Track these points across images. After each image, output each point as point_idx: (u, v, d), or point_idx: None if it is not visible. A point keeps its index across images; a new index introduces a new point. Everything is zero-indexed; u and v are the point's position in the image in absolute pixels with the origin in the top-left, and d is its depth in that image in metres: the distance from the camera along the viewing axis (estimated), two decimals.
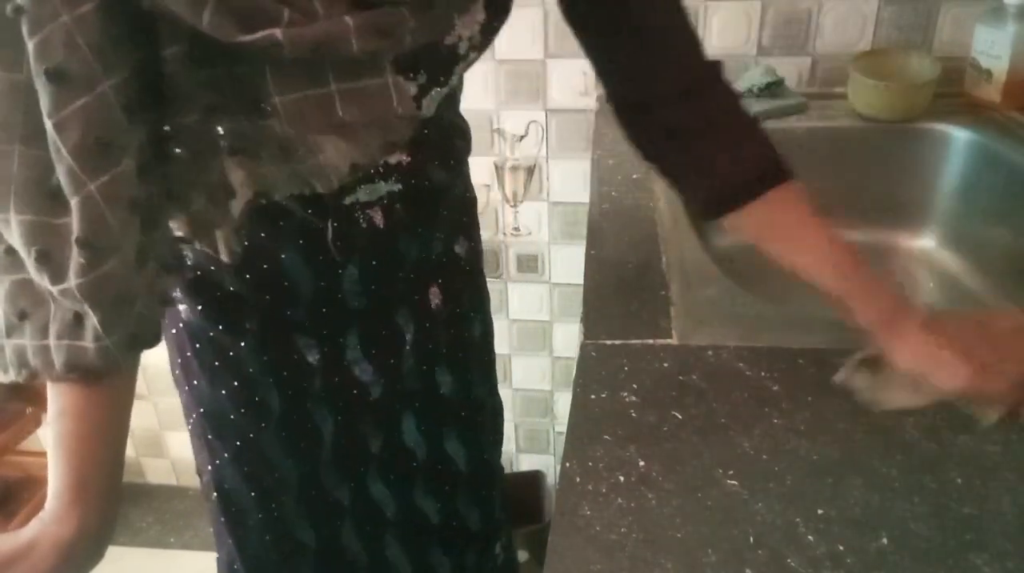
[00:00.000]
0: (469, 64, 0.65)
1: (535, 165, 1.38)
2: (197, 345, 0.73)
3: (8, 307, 0.53)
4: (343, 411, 0.78)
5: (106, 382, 0.55)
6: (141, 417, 1.88)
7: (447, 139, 0.75)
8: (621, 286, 0.79)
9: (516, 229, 1.47)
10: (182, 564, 1.79)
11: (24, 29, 0.44)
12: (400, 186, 0.69)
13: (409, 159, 0.69)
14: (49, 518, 0.56)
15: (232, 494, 0.77)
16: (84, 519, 0.57)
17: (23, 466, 1.92)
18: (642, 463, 0.58)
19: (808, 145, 1.14)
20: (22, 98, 0.46)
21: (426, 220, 0.75)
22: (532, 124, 1.36)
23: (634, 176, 1.03)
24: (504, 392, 1.70)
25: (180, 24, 0.47)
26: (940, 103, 1.12)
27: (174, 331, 0.74)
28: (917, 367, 0.61)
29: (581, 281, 0.82)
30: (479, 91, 1.32)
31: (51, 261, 0.50)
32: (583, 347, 0.70)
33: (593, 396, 0.64)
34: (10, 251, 0.51)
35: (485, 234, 1.50)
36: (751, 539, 0.51)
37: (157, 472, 1.97)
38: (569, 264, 1.50)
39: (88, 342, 0.52)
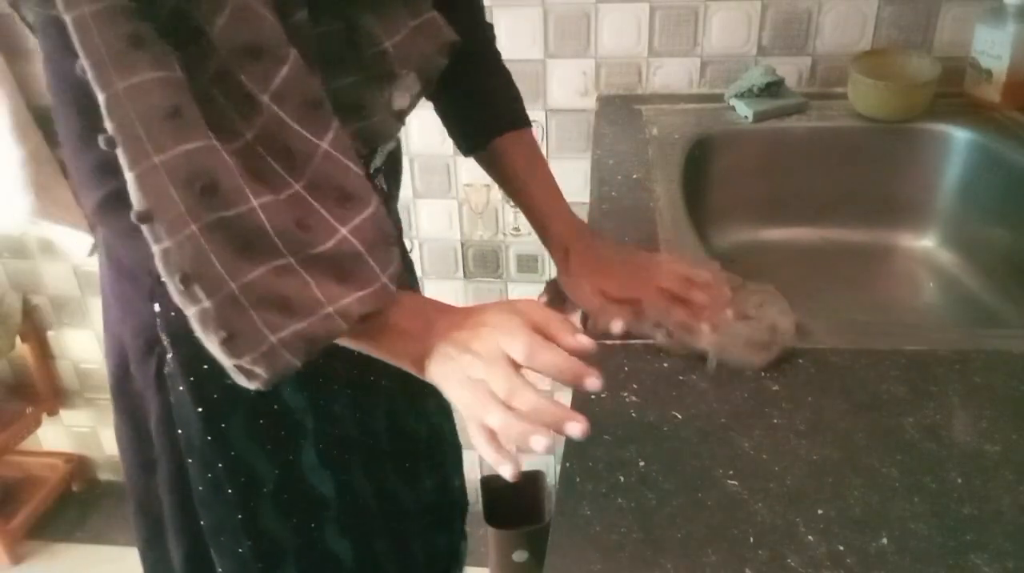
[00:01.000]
0: None
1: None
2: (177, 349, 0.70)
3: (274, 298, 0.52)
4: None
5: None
6: None
7: None
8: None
9: (516, 229, 1.47)
10: None
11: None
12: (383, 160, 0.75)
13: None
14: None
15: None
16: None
17: (23, 466, 1.92)
18: (642, 463, 0.58)
19: (808, 145, 1.15)
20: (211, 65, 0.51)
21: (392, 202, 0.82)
22: (532, 124, 1.36)
23: (634, 176, 1.03)
24: None
25: None
26: (940, 103, 1.12)
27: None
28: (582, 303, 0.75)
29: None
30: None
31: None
32: None
33: (593, 396, 0.64)
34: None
35: (485, 234, 1.51)
36: (751, 539, 0.51)
37: None
38: None
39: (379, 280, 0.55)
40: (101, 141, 0.47)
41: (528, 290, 1.55)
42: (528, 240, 1.49)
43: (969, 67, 1.14)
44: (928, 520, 0.52)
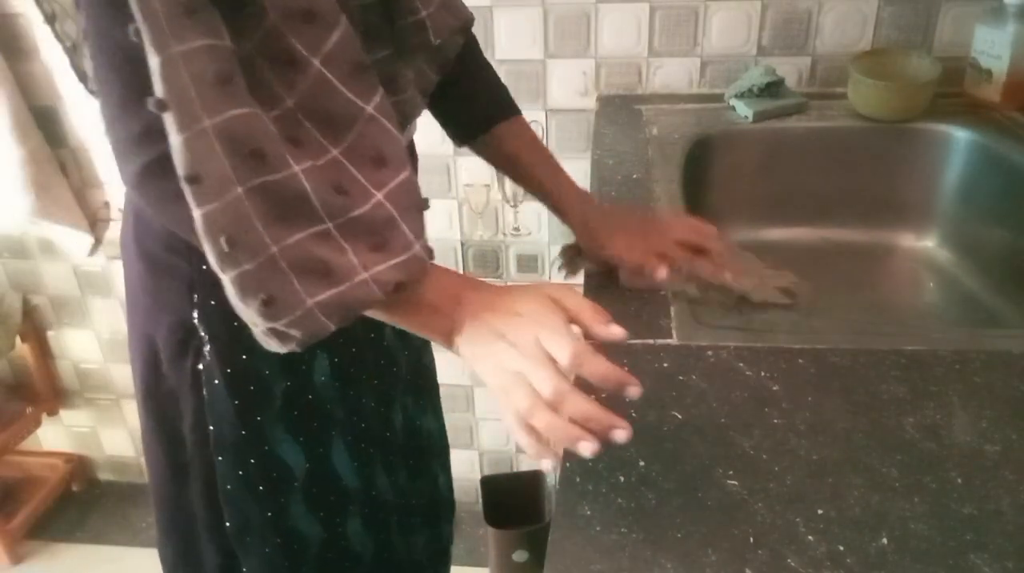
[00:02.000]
0: None
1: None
2: (207, 349, 0.70)
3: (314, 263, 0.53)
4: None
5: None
6: None
7: None
8: (621, 286, 0.79)
9: (516, 229, 1.47)
10: None
11: None
12: None
13: None
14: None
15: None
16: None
17: (23, 466, 1.92)
18: (642, 463, 0.58)
19: (808, 145, 1.14)
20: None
21: None
22: (532, 124, 1.35)
23: (634, 176, 1.03)
24: None
25: None
26: (940, 103, 1.12)
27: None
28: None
29: (581, 281, 0.81)
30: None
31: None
32: None
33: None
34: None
35: (485, 234, 1.51)
36: (751, 539, 0.51)
37: None
38: None
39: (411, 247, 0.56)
40: (151, 103, 0.48)
41: None
42: (528, 240, 1.49)
43: (969, 67, 1.14)
44: (928, 520, 0.52)
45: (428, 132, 1.41)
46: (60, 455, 1.95)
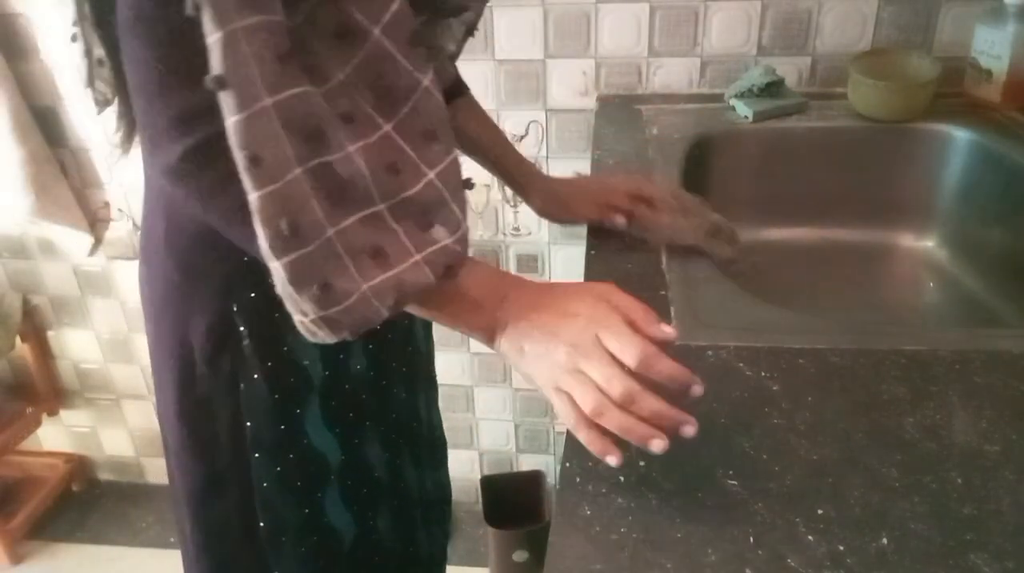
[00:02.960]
0: None
1: (535, 165, 1.38)
2: (243, 343, 0.69)
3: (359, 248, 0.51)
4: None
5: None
6: (141, 417, 1.88)
7: None
8: (621, 286, 0.79)
9: (516, 229, 1.47)
10: (182, 564, 1.79)
11: None
12: None
13: None
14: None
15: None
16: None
17: (23, 466, 1.92)
18: (642, 463, 0.58)
19: (808, 145, 1.15)
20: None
21: None
22: (532, 124, 1.36)
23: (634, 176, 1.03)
24: (504, 392, 1.70)
25: None
26: (940, 103, 1.12)
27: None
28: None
29: (581, 281, 0.81)
30: (479, 91, 1.32)
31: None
32: None
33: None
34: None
35: (485, 234, 1.51)
36: (751, 539, 0.51)
37: (157, 472, 1.97)
38: (569, 264, 1.50)
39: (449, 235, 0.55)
40: (209, 81, 0.45)
41: None
42: (528, 240, 1.49)
43: (969, 67, 1.14)
44: (928, 520, 0.52)
45: None
46: (60, 455, 1.95)
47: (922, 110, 1.10)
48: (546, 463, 1.77)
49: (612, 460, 0.51)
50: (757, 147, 1.16)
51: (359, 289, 0.50)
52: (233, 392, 0.69)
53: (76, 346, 1.80)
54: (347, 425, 0.75)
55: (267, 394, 0.69)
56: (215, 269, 0.66)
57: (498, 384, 1.69)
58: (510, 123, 1.36)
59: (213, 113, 0.46)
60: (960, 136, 1.08)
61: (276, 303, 0.51)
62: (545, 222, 1.46)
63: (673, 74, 1.27)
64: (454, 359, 1.65)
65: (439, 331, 0.80)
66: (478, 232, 1.49)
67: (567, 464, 0.58)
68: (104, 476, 2.01)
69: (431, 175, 0.54)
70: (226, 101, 0.46)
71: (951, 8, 1.18)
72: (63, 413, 1.90)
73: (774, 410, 0.62)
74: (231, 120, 0.46)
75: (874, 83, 1.09)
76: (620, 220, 0.85)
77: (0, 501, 1.83)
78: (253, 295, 0.66)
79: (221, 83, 0.45)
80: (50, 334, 1.80)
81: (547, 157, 1.39)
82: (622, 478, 0.56)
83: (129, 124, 0.68)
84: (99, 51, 0.63)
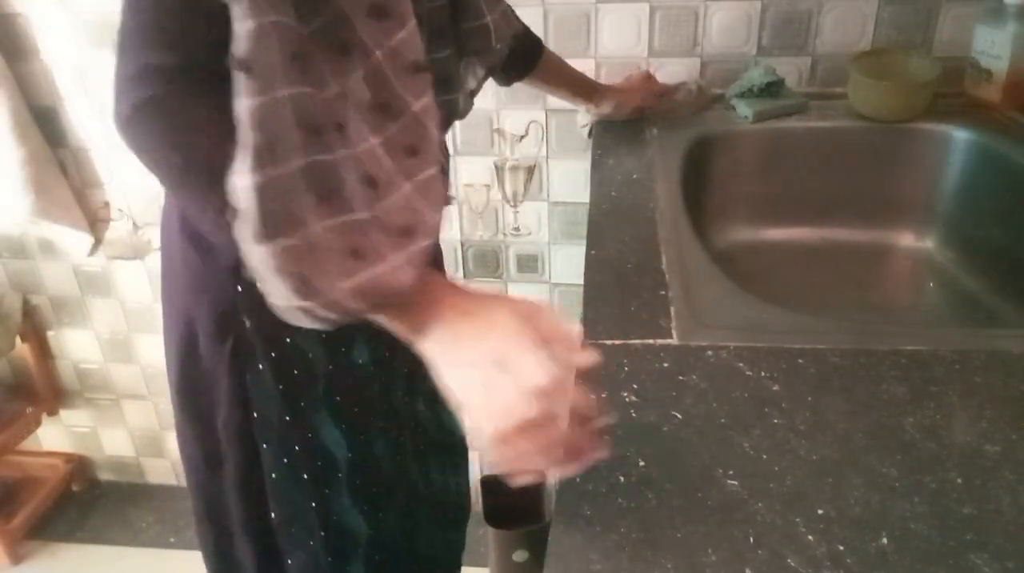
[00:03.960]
0: None
1: (535, 165, 1.38)
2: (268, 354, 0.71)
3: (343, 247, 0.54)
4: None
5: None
6: (141, 417, 1.88)
7: None
8: (621, 286, 0.79)
9: (516, 229, 1.47)
10: (182, 564, 1.79)
11: None
12: None
13: None
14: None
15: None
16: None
17: (23, 466, 1.92)
18: (642, 463, 0.58)
19: (808, 145, 1.15)
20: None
21: None
22: (532, 124, 1.36)
23: (634, 176, 1.03)
24: None
25: None
26: (940, 103, 1.12)
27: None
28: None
29: (581, 281, 0.82)
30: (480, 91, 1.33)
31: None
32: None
33: (593, 396, 0.64)
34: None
35: (485, 234, 1.51)
36: (751, 539, 0.51)
37: (157, 472, 1.97)
38: (569, 264, 1.50)
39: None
40: (234, 63, 0.48)
41: (528, 290, 1.55)
42: (528, 240, 1.49)
43: (969, 67, 1.14)
44: (928, 520, 0.52)
45: None
46: (60, 455, 1.95)
47: (922, 110, 1.10)
48: None
49: (520, 481, 0.51)
50: (757, 147, 1.16)
51: (335, 287, 0.51)
52: (233, 379, 0.70)
53: (76, 346, 1.80)
54: (353, 421, 0.76)
55: (272, 384, 0.70)
56: (223, 250, 0.66)
57: None
58: (510, 123, 1.36)
59: (168, 76, 0.52)
60: (960, 136, 1.08)
61: None
62: (545, 222, 1.46)
63: (673, 74, 1.27)
64: None
65: None
66: (478, 232, 1.49)
67: None
68: (104, 476, 2.01)
69: (408, 186, 0.56)
70: (247, 85, 0.48)
71: (951, 8, 1.18)
72: (63, 413, 1.90)
73: (774, 410, 0.62)
74: (249, 103, 0.48)
75: (874, 83, 1.09)
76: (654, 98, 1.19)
77: (0, 501, 1.83)
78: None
79: (247, 67, 0.48)
80: (50, 334, 1.80)
81: (547, 157, 1.39)
82: (622, 478, 0.56)
83: None
84: None
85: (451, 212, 1.47)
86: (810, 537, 0.51)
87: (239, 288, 0.68)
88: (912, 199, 1.13)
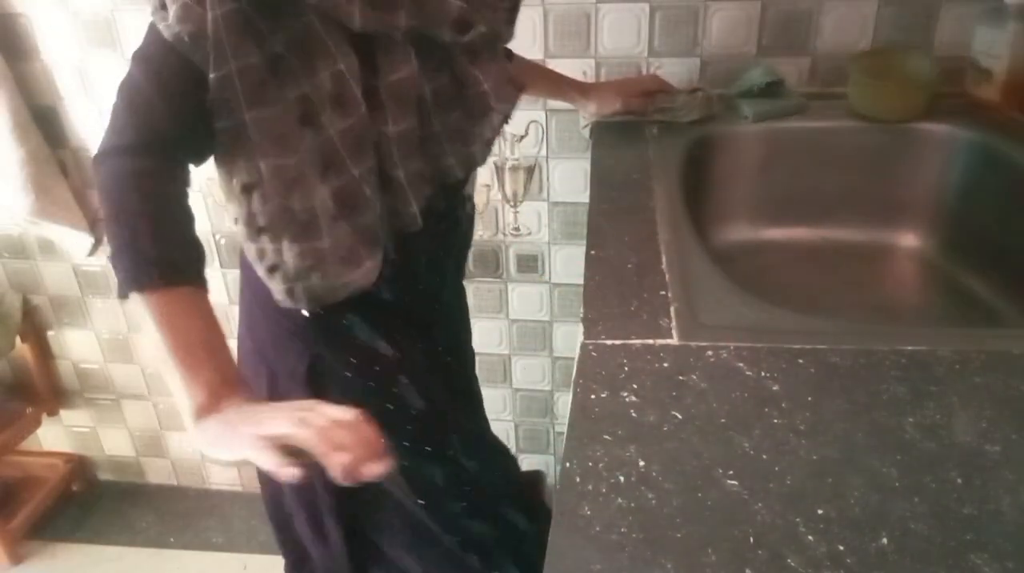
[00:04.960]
0: None
1: (535, 165, 1.38)
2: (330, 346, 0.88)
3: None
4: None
5: None
6: (141, 417, 1.88)
7: None
8: (621, 286, 0.79)
9: (516, 229, 1.47)
10: (182, 564, 1.79)
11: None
12: None
13: None
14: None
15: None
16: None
17: (23, 466, 1.92)
18: (642, 463, 0.58)
19: (808, 145, 1.15)
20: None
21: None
22: (532, 124, 1.36)
23: (634, 176, 1.03)
24: (504, 392, 1.70)
25: None
26: (940, 103, 1.12)
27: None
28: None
29: (581, 281, 0.82)
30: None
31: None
32: (583, 347, 0.70)
33: (593, 396, 0.64)
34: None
35: (485, 234, 1.51)
36: (751, 539, 0.51)
37: (157, 472, 1.97)
38: (569, 264, 1.50)
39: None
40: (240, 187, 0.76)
41: (528, 290, 1.55)
42: (528, 240, 1.49)
43: (969, 67, 1.14)
44: (928, 520, 0.52)
45: None
46: (60, 455, 1.95)
47: (922, 110, 1.10)
48: (546, 463, 1.77)
49: (287, 474, 0.60)
50: (757, 147, 1.16)
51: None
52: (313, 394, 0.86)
53: (76, 346, 1.80)
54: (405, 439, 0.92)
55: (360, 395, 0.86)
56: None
57: (498, 384, 1.69)
58: (510, 123, 1.36)
59: (127, 143, 0.70)
60: (960, 136, 1.08)
61: (342, 319, 0.85)
62: (545, 222, 1.46)
63: (673, 74, 1.27)
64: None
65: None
66: (478, 232, 1.49)
67: (567, 464, 0.58)
68: (104, 476, 2.01)
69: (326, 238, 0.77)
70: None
71: (951, 8, 1.18)
72: (63, 413, 1.90)
73: (774, 410, 0.62)
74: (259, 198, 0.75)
75: (874, 83, 1.09)
76: (640, 103, 1.18)
77: (0, 501, 1.83)
78: (322, 311, 0.85)
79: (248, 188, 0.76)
80: (50, 334, 1.80)
81: (547, 157, 1.39)
82: (622, 478, 0.56)
83: None
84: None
85: None
86: (810, 537, 0.51)
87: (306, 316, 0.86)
88: (912, 199, 1.13)
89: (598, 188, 1.01)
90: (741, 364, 0.67)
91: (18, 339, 1.74)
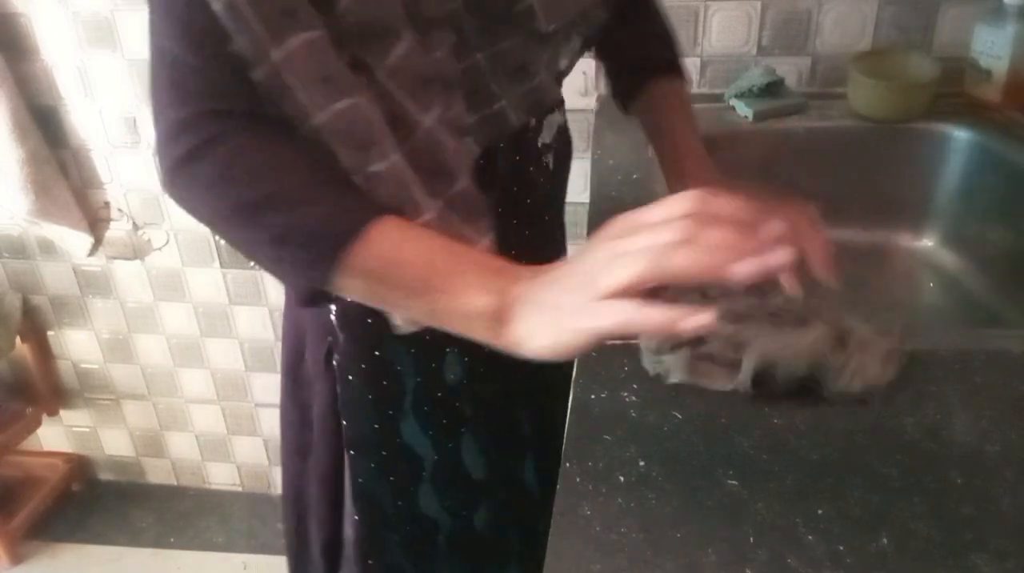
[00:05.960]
0: None
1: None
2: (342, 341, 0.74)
3: None
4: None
5: None
6: (141, 417, 1.88)
7: None
8: None
9: None
10: (182, 564, 1.79)
11: None
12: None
13: None
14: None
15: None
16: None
17: (23, 466, 1.92)
18: (642, 463, 0.58)
19: (808, 145, 1.15)
20: None
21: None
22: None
23: (634, 176, 1.03)
24: None
25: None
26: (940, 103, 1.12)
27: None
28: None
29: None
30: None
31: None
32: None
33: (593, 396, 0.64)
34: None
35: None
36: (751, 539, 0.51)
37: (157, 472, 1.97)
38: None
39: None
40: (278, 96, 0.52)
41: None
42: None
43: (969, 67, 1.14)
44: (928, 520, 0.52)
45: None
46: (60, 455, 1.95)
47: (922, 110, 1.10)
48: None
49: (700, 320, 0.42)
50: (757, 147, 1.16)
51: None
52: (329, 385, 0.74)
53: (76, 346, 1.80)
54: (442, 429, 0.78)
55: (361, 395, 0.74)
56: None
57: None
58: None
59: (199, 126, 0.52)
60: (960, 136, 1.08)
61: (369, 309, 0.58)
62: None
63: None
64: None
65: None
66: None
67: (567, 464, 0.58)
68: (104, 476, 2.01)
69: (432, 213, 0.57)
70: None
71: (951, 8, 1.18)
72: (63, 413, 1.90)
73: (774, 410, 0.62)
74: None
75: (874, 83, 1.09)
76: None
77: (0, 501, 1.83)
78: (348, 300, 0.67)
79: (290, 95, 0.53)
80: (50, 334, 1.80)
81: None
82: (622, 478, 0.56)
83: None
84: None
85: None
86: (810, 537, 0.51)
87: (332, 308, 0.71)
88: (912, 199, 1.13)
89: (598, 188, 1.01)
90: None
91: (18, 339, 1.74)
